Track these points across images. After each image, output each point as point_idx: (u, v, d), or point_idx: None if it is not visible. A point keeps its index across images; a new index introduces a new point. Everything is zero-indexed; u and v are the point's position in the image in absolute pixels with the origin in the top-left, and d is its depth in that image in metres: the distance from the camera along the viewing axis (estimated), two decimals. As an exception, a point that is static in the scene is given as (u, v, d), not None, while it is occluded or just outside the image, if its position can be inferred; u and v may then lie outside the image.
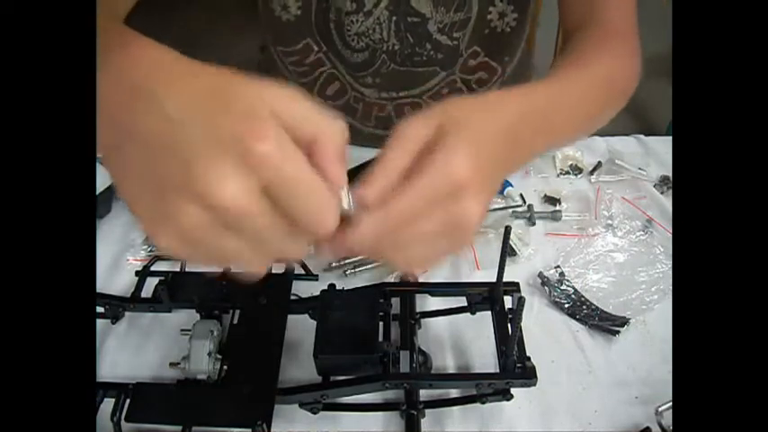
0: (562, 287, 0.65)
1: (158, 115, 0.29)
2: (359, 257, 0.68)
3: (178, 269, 0.66)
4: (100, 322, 0.62)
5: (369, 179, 0.34)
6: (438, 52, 0.76)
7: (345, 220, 0.33)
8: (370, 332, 0.52)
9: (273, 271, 0.60)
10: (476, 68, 0.78)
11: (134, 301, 0.62)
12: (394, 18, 0.73)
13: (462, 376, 0.56)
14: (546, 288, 0.65)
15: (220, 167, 0.28)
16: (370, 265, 0.67)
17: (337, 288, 0.57)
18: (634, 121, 1.77)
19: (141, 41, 0.34)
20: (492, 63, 0.78)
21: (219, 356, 0.55)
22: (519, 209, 0.74)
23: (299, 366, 0.57)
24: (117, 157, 0.32)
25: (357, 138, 0.84)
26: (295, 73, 0.83)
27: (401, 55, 0.76)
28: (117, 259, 0.69)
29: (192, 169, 0.28)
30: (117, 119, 0.31)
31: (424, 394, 0.54)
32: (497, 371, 0.52)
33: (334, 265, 0.67)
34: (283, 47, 0.80)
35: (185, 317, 0.61)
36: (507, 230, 0.52)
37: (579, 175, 0.79)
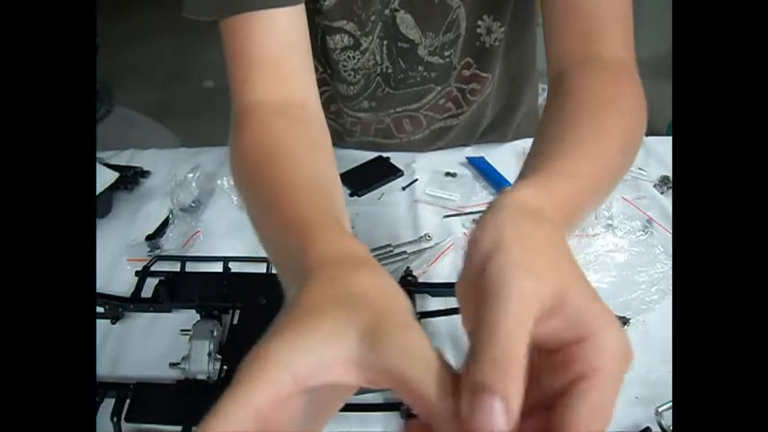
0: (562, 287, 0.65)
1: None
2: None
3: (178, 269, 0.66)
4: (100, 322, 0.61)
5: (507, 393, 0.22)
6: (431, 72, 0.76)
7: None
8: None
9: (273, 271, 0.60)
10: (469, 79, 0.78)
11: (134, 301, 0.62)
12: (385, 42, 0.73)
13: (462, 376, 0.56)
14: (546, 288, 0.65)
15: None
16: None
17: (337, 288, 0.56)
18: (634, 121, 1.76)
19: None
20: (483, 74, 0.78)
21: (219, 356, 0.55)
22: (519, 209, 0.73)
23: (299, 366, 0.57)
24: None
25: (356, 145, 0.86)
26: None
27: (395, 79, 0.77)
28: (117, 259, 0.69)
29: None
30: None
31: (424, 394, 0.54)
32: (497, 371, 0.51)
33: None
34: None
35: (185, 317, 0.61)
36: (507, 230, 0.52)
37: (579, 175, 0.79)
